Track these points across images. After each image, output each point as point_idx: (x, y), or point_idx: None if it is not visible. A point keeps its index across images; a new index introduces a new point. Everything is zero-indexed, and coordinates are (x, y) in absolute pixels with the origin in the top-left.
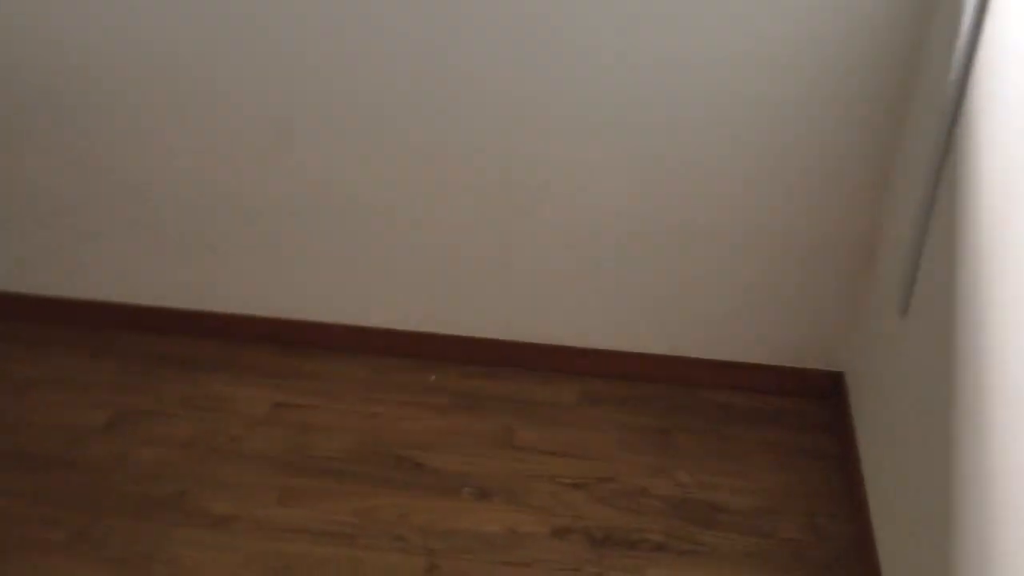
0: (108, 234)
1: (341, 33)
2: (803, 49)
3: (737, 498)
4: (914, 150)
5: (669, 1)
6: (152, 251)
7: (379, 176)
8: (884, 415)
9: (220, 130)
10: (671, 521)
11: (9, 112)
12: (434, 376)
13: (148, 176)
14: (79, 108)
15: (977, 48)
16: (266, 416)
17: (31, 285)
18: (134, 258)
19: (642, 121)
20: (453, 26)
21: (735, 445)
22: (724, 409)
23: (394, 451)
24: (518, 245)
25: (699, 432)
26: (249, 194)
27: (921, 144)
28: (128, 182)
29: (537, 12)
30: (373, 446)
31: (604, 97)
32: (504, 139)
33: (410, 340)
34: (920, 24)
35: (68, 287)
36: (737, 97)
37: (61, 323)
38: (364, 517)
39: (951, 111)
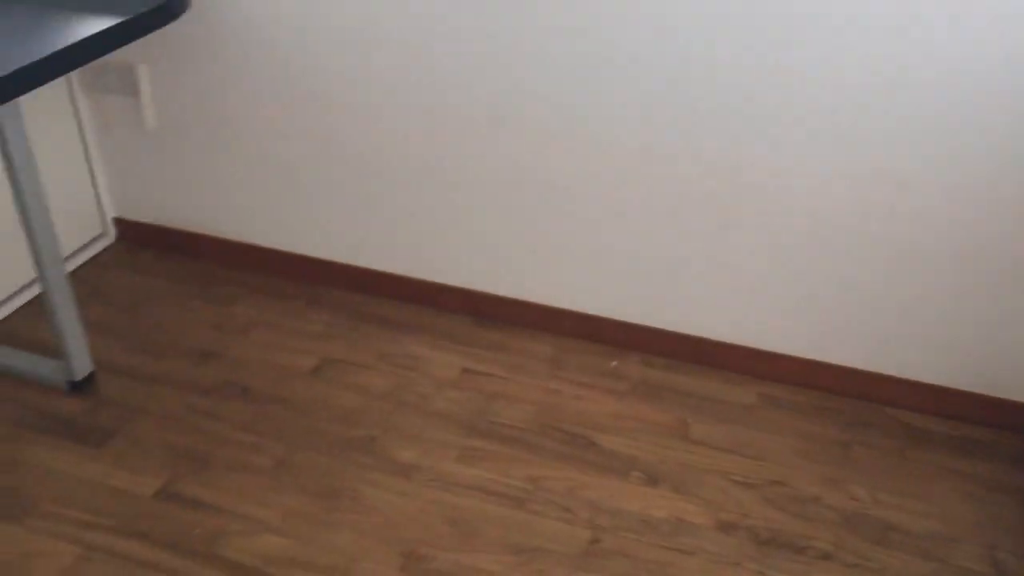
0: (335, 201)
1: (559, 40)
2: None
3: (914, 520)
4: None
5: (903, 13)
6: (369, 218)
7: (584, 168)
8: None
9: (440, 113)
10: (841, 533)
11: (261, 84)
12: (616, 362)
13: (376, 152)
14: (320, 93)
15: None
16: (455, 380)
17: (262, 238)
18: (352, 223)
19: (861, 132)
20: (684, 40)
21: (918, 467)
22: (911, 430)
23: (570, 427)
24: (717, 245)
25: (881, 449)
26: (459, 170)
27: None
28: (357, 156)
29: (774, 18)
30: (550, 420)
31: (829, 105)
32: (715, 140)
33: (596, 325)
34: None
35: (291, 243)
36: (962, 110)
37: (283, 275)
38: (535, 484)
39: None
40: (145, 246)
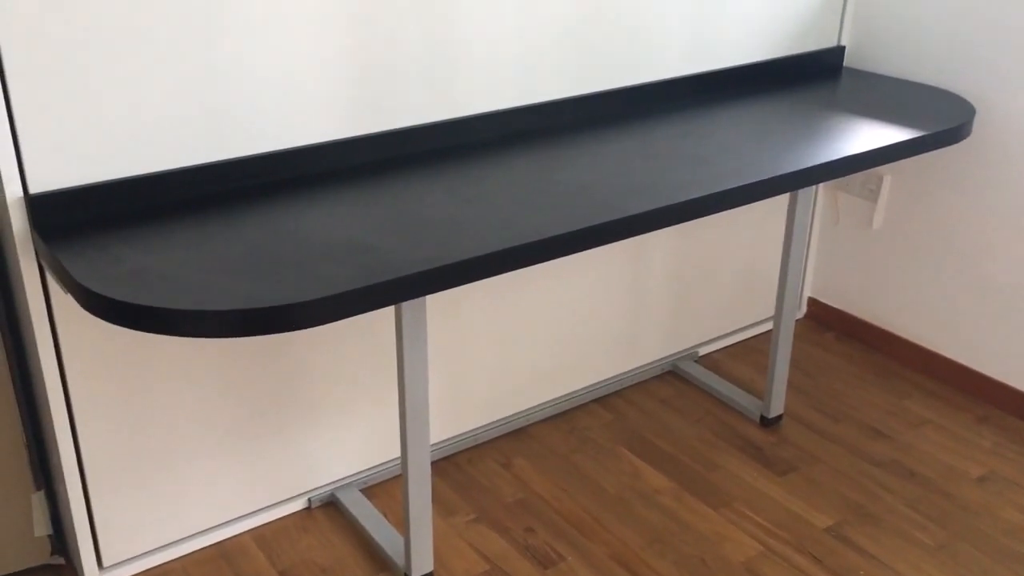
0: None
1: None
2: None
3: None
4: None
5: None
6: None
7: None
8: None
9: None
10: None
11: None
12: None
13: None
14: None
15: None
16: None
17: (946, 348)
18: None
19: None
20: None
21: None
22: None
23: None
24: None
25: None
26: None
27: None
28: None
29: None
30: None
31: None
32: None
33: None
34: None
35: (973, 359)
36: None
37: (957, 386)
38: None
39: None
40: (829, 327)
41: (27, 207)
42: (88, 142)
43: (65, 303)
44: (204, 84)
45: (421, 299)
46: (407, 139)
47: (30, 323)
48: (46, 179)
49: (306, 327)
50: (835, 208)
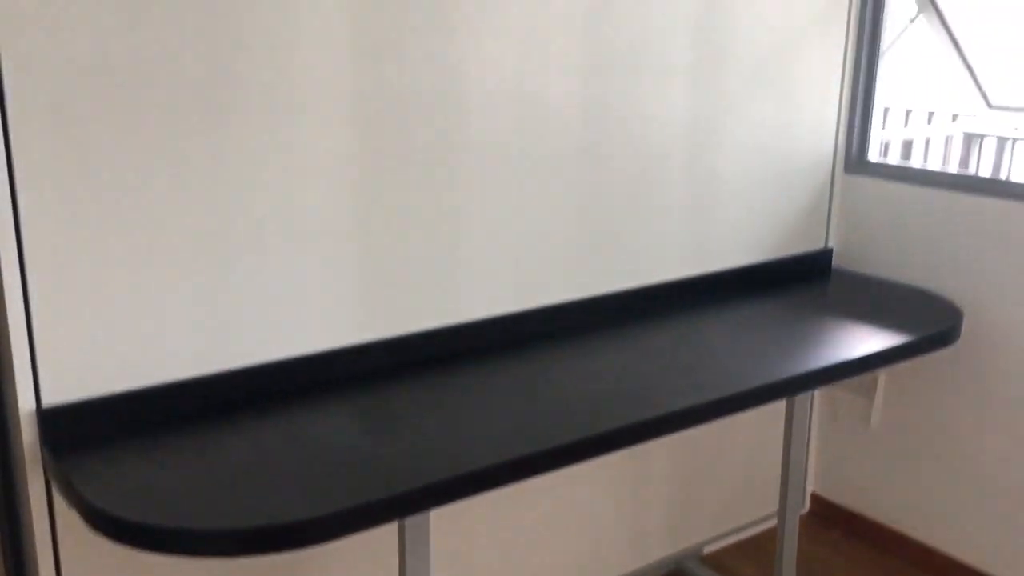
0: None
1: None
2: None
3: None
4: None
5: None
6: None
7: None
8: None
9: None
10: None
11: None
12: None
13: None
14: None
15: None
16: None
17: (953, 548)
18: None
19: None
20: None
21: None
22: None
23: None
24: None
25: None
26: None
27: None
28: None
29: None
30: None
31: None
32: None
33: None
34: None
35: (980, 559)
36: None
37: None
38: None
39: None
40: (833, 525)
41: (38, 420)
42: (102, 353)
43: (68, 514)
44: (217, 297)
45: (425, 513)
46: (410, 345)
47: (32, 536)
48: (59, 391)
49: (313, 544)
50: (832, 406)
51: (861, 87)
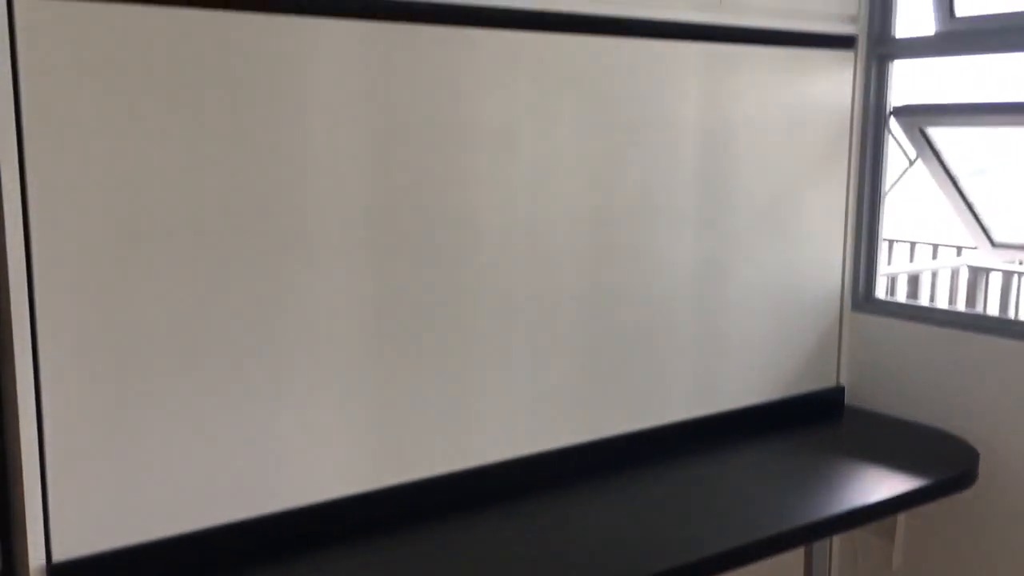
0: None
1: None
2: None
3: None
4: None
5: None
6: None
7: None
8: None
9: None
10: None
11: None
12: None
13: None
14: None
15: None
16: None
17: None
18: None
19: None
20: None
21: None
22: None
23: None
24: None
25: None
26: None
27: None
28: None
29: None
30: None
31: None
32: None
33: None
34: None
35: None
36: None
37: None
38: None
39: None
40: None
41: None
42: (116, 505)
43: None
44: (228, 448)
45: None
46: (421, 491)
47: None
48: (70, 546)
49: None
50: (853, 547)
51: (865, 226)
